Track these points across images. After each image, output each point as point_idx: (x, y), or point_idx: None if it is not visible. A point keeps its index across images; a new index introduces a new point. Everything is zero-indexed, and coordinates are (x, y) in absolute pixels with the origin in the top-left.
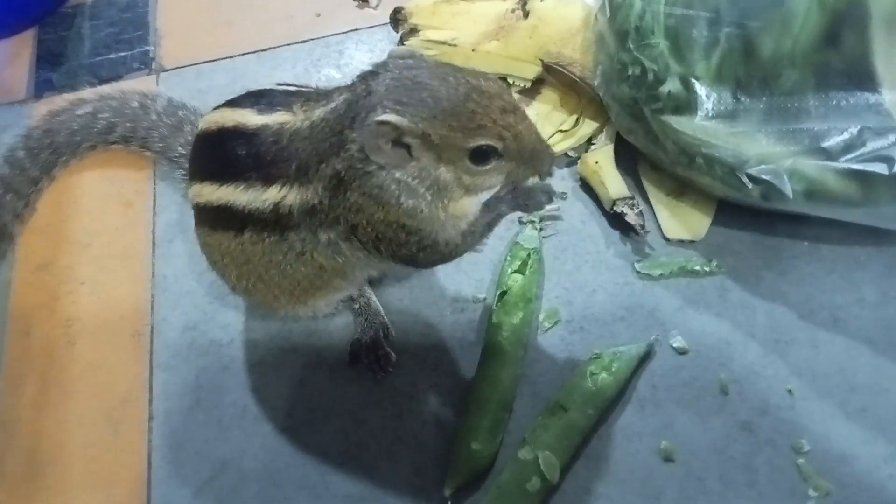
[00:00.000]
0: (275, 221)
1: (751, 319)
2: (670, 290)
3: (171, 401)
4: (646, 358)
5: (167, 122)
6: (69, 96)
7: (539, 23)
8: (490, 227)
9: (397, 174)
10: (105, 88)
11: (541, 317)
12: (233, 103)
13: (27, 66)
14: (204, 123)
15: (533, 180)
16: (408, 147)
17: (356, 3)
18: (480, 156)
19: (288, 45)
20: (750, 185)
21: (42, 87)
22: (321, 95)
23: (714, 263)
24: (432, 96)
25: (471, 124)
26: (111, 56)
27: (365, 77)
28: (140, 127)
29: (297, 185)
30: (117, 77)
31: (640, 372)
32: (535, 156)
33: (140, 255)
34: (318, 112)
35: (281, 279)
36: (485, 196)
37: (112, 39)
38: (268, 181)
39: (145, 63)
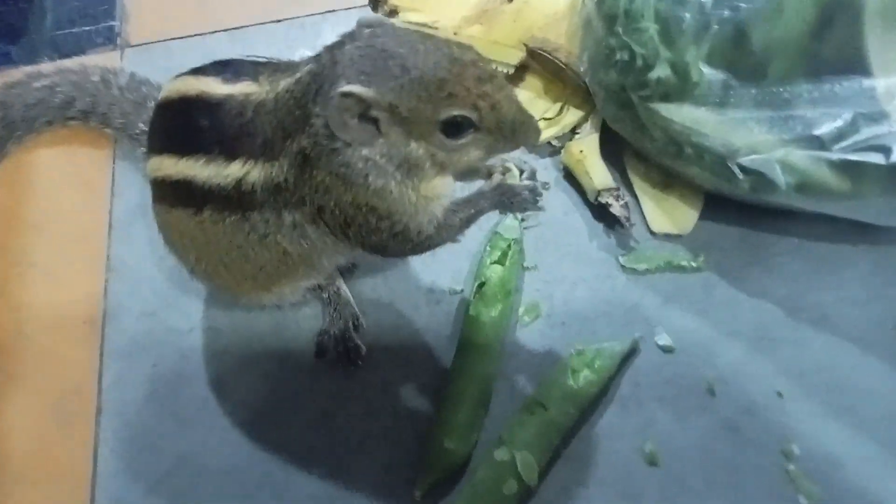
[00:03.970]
0: (237, 200)
1: (737, 317)
2: (654, 286)
3: (125, 392)
4: (630, 355)
5: (129, 98)
6: (27, 69)
7: (524, 6)
8: (469, 222)
9: (365, 151)
10: (66, 63)
11: (520, 310)
12: (197, 71)
13: None
14: (165, 92)
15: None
16: (375, 122)
17: None
18: (454, 128)
19: (262, 24)
20: (741, 176)
21: None
22: (289, 66)
23: (700, 259)
24: (400, 65)
25: (441, 94)
26: (74, 30)
27: (331, 48)
28: (101, 102)
29: (261, 161)
30: (80, 53)
31: (623, 370)
32: (517, 128)
33: (96, 239)
34: (283, 84)
35: (242, 263)
36: (467, 189)
37: (76, 14)
38: (231, 156)
39: (110, 39)
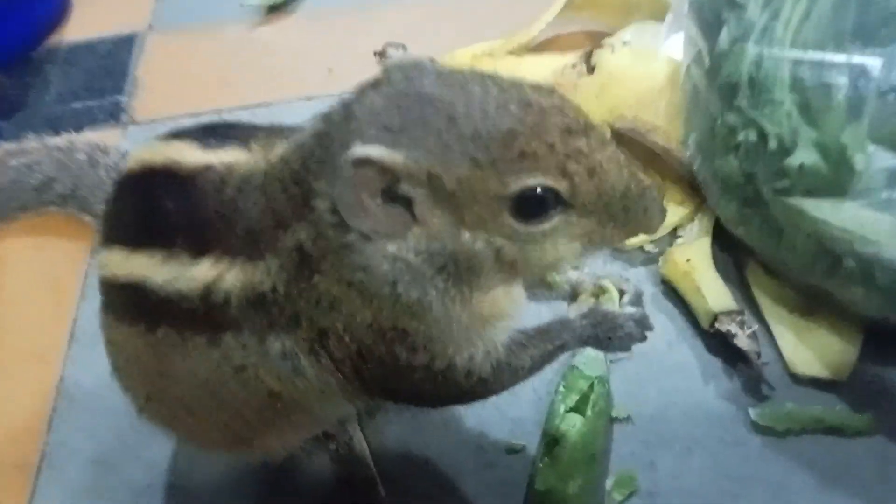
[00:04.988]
0: (204, 315)
1: None
2: (803, 455)
3: None
4: None
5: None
6: (9, 146)
7: (609, 80)
8: (543, 362)
9: (391, 248)
10: (52, 139)
11: (608, 483)
12: (174, 135)
13: None
14: (129, 162)
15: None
16: (408, 202)
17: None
18: (532, 207)
19: (290, 101)
20: None
21: None
22: (292, 130)
23: (866, 418)
24: (444, 115)
25: (509, 153)
26: (76, 105)
27: (347, 99)
28: (82, 184)
29: (240, 259)
30: (78, 129)
31: None
32: (631, 205)
33: (53, 355)
34: (279, 150)
35: (210, 406)
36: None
37: (82, 88)
38: (199, 251)
39: (114, 115)
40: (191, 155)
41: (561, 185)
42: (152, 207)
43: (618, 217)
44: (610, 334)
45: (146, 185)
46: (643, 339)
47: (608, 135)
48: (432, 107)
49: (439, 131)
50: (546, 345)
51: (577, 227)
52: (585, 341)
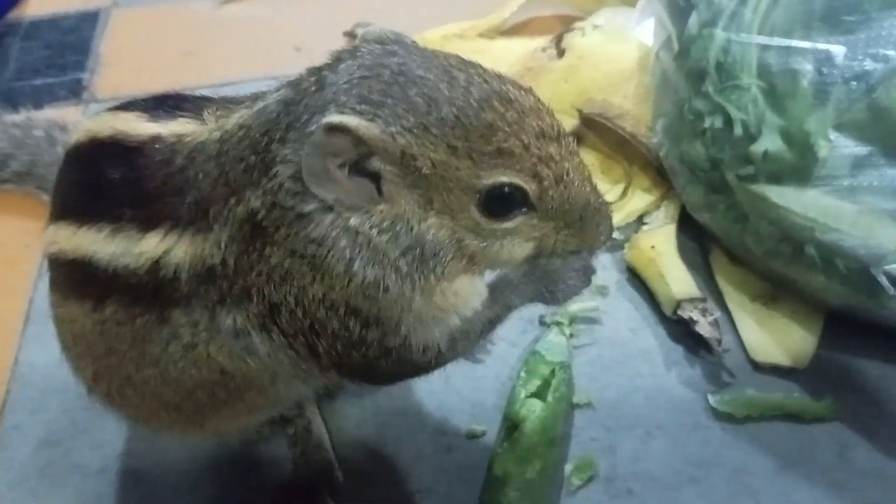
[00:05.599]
0: (153, 290)
1: (889, 496)
2: (762, 441)
3: None
4: None
5: None
6: None
7: (580, 63)
8: (492, 325)
9: (354, 220)
10: (11, 116)
11: (567, 469)
12: (124, 107)
13: None
14: (77, 134)
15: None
16: (376, 177)
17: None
18: (499, 203)
19: (256, 80)
20: (891, 290)
21: None
22: (249, 99)
23: (826, 404)
24: (425, 95)
25: (487, 146)
26: (35, 82)
27: (318, 68)
28: (40, 162)
29: (190, 231)
30: (38, 106)
31: None
32: (587, 217)
33: (7, 334)
34: (236, 118)
35: (161, 385)
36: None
37: (43, 64)
38: (147, 224)
39: (75, 92)
40: (139, 126)
41: (530, 187)
42: (99, 181)
43: (573, 226)
44: (552, 288)
45: (93, 158)
46: (588, 284)
47: (577, 124)
48: (414, 86)
49: (419, 111)
50: (495, 308)
51: (535, 229)
52: (531, 298)
